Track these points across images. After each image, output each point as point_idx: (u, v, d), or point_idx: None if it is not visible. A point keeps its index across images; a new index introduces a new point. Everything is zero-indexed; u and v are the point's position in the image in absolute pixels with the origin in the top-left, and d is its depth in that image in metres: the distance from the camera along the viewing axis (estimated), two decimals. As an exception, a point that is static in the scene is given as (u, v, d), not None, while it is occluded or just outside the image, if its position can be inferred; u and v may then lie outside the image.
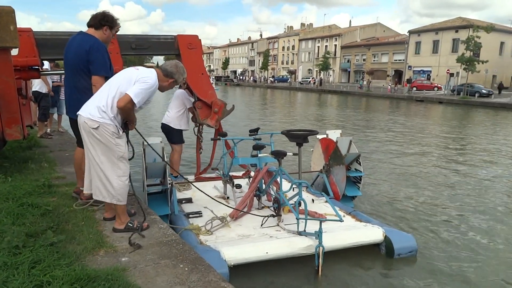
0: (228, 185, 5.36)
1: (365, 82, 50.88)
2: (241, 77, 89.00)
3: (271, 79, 73.76)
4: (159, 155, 4.23)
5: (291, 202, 4.27)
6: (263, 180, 4.85)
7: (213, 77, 63.86)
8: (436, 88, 41.91)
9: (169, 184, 4.58)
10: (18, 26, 4.24)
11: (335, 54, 66.73)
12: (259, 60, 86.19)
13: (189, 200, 5.13)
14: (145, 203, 4.42)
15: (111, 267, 2.65)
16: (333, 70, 66.73)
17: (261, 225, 4.33)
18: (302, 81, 64.71)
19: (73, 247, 2.92)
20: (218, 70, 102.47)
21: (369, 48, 60.23)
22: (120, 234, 3.26)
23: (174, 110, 5.84)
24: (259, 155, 5.03)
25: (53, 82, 8.32)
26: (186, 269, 2.74)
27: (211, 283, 2.56)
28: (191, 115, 5.91)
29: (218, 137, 5.60)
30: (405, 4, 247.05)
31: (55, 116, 9.35)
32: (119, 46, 4.99)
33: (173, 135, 5.83)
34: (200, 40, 5.59)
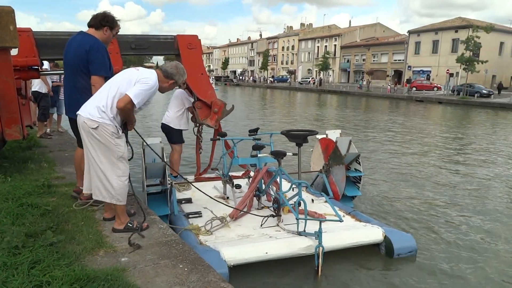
0: (227, 185, 5.35)
1: (364, 82, 50.91)
2: (240, 77, 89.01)
3: (270, 79, 73.76)
4: (158, 156, 4.23)
5: (291, 202, 4.27)
6: (262, 180, 4.85)
7: (213, 77, 63.76)
8: (435, 88, 41.95)
9: (169, 184, 4.58)
10: (17, 26, 4.23)
11: (334, 54, 66.73)
12: (258, 60, 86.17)
13: (188, 200, 5.12)
14: (145, 203, 4.42)
15: (111, 267, 2.65)
16: (333, 70, 66.73)
17: (261, 225, 4.33)
18: (302, 81, 64.69)
19: (73, 247, 2.92)
20: (217, 70, 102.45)
21: (369, 48, 60.26)
22: (119, 234, 3.26)
23: (173, 110, 5.84)
24: (258, 155, 5.03)
25: (52, 82, 8.31)
26: (186, 269, 2.74)
27: (211, 283, 2.56)
28: (190, 115, 5.91)
29: (217, 137, 5.60)
30: (405, 4, 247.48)
31: (55, 116, 9.36)
32: (118, 46, 4.99)
33: (173, 135, 5.83)
34: (199, 40, 5.58)
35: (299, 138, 4.38)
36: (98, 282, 2.38)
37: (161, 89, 3.32)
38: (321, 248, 3.71)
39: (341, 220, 3.93)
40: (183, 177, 4.97)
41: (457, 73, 42.03)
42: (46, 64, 7.61)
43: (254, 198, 4.86)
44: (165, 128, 5.87)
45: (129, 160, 3.30)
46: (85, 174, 3.34)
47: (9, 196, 3.78)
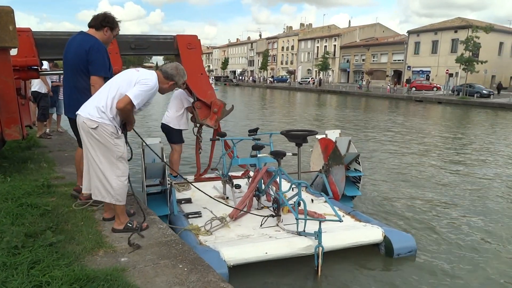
0: (227, 185, 5.35)
1: (364, 82, 50.89)
2: (240, 77, 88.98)
3: (270, 79, 73.76)
4: (158, 156, 4.23)
5: (291, 202, 4.27)
6: (262, 180, 4.84)
7: (213, 77, 63.80)
8: (435, 88, 41.96)
9: (168, 184, 4.58)
10: (17, 26, 4.23)
11: (334, 54, 66.76)
12: (258, 60, 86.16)
13: (188, 200, 5.12)
14: (144, 203, 4.41)
15: (110, 267, 2.65)
16: (332, 70, 66.74)
17: (261, 225, 4.32)
18: (302, 81, 64.69)
19: (72, 247, 2.92)
20: (217, 70, 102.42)
21: (369, 48, 60.28)
22: (119, 234, 3.25)
23: (173, 110, 5.84)
24: (258, 155, 5.03)
25: (52, 82, 8.31)
26: (186, 269, 2.74)
27: (211, 283, 2.56)
28: (190, 115, 5.91)
29: (217, 137, 5.60)
30: (404, 4, 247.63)
31: (54, 116, 9.35)
32: (118, 46, 4.99)
33: (172, 135, 5.83)
34: (199, 40, 5.58)
35: (299, 138, 4.38)
36: (98, 282, 2.37)
37: (161, 90, 3.32)
38: (320, 248, 3.71)
39: (340, 220, 3.92)
40: (182, 177, 4.97)
41: (457, 73, 42.09)
42: (45, 64, 7.61)
43: (254, 198, 4.86)
44: (165, 128, 5.87)
45: (128, 160, 3.30)
46: (84, 174, 3.34)
47: (9, 196, 3.78)
